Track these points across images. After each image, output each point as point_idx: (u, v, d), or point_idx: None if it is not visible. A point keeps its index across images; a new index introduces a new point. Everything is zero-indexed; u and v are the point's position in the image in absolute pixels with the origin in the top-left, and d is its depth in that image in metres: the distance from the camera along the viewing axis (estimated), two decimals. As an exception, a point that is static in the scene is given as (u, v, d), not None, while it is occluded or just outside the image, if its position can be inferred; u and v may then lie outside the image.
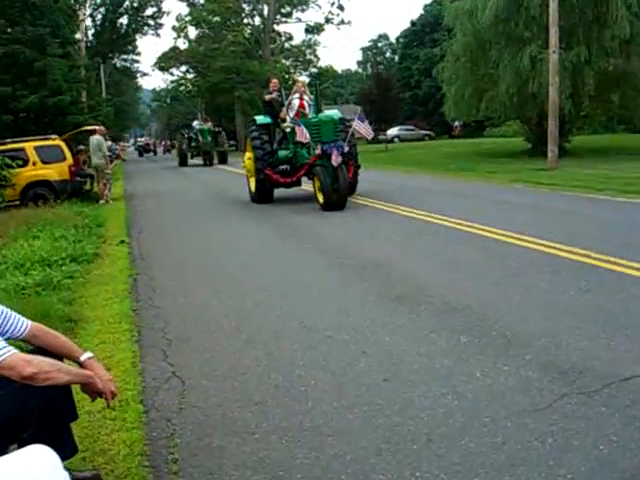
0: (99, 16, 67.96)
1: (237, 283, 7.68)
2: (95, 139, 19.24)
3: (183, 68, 67.07)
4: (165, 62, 64.72)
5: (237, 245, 10.51)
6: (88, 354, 3.33)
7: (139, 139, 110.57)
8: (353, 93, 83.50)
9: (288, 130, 15.27)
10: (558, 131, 23.02)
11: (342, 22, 63.26)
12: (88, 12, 62.10)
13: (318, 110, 14.83)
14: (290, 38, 68.00)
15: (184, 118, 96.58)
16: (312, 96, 15.48)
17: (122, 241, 11.25)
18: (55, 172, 17.80)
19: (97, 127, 20.66)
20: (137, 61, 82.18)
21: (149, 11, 70.15)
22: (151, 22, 71.37)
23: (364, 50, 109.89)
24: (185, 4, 66.16)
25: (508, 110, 31.67)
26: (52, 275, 8.16)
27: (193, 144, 40.43)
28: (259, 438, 3.79)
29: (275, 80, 17.44)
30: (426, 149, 42.78)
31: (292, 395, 4.32)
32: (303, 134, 13.62)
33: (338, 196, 13.31)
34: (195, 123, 43.04)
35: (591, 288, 6.40)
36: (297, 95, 15.55)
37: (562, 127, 25.66)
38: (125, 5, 68.68)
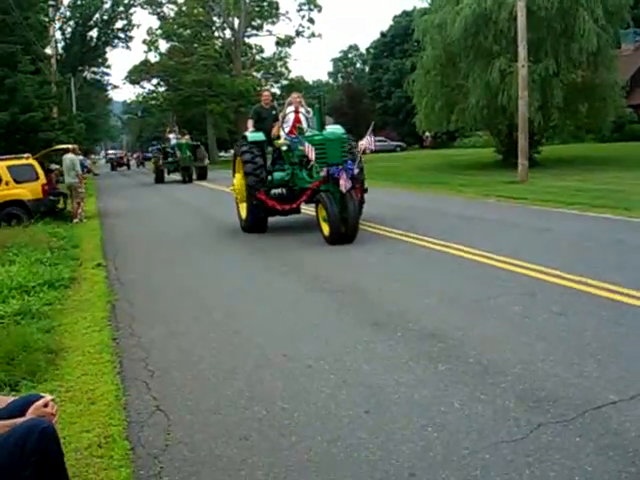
0: (69, 29, 67.84)
1: (216, 310, 7.72)
2: (68, 158, 19.21)
3: (154, 81, 66.98)
4: (136, 75, 64.60)
5: (216, 271, 10.42)
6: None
7: (110, 152, 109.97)
8: (325, 104, 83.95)
9: (284, 148, 13.32)
10: (528, 144, 23.33)
11: (313, 35, 63.65)
12: (58, 25, 61.87)
13: (321, 126, 12.73)
14: (261, 51, 68.32)
15: (155, 130, 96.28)
16: (310, 109, 13.90)
17: (99, 264, 11.25)
18: (28, 191, 17.71)
19: (70, 146, 20.62)
20: (107, 74, 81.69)
21: (119, 24, 70.28)
22: (121, 35, 71.44)
23: (335, 61, 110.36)
24: (156, 17, 66.30)
25: (478, 123, 32.12)
26: (30, 303, 8.21)
27: (170, 159, 37.44)
28: (246, 475, 3.88)
29: (267, 92, 15.83)
30: (399, 161, 43.01)
31: (276, 429, 4.41)
32: (311, 152, 11.68)
33: (347, 227, 11.40)
34: (171, 136, 40.30)
35: (563, 311, 6.56)
36: (292, 108, 13.74)
37: (532, 138, 26.04)
38: (95, 18, 68.61)
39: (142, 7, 66.87)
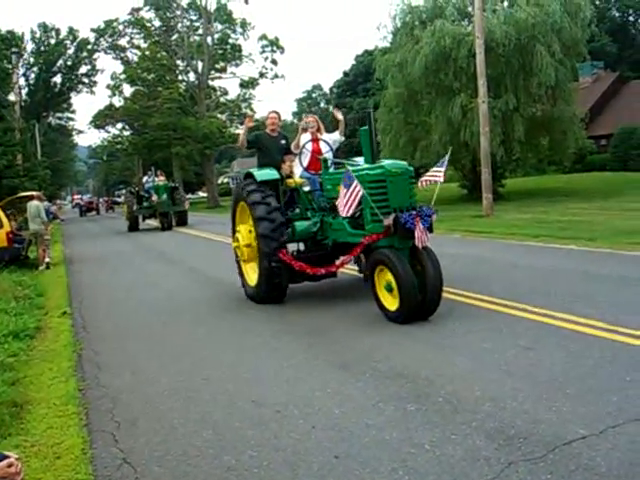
0: (32, 75, 67.83)
1: (184, 357, 7.61)
2: (34, 205, 19.01)
3: (119, 125, 66.96)
4: (100, 120, 64.50)
5: (186, 319, 10.17)
6: None
7: (76, 196, 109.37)
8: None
9: (306, 189, 10.39)
10: (491, 178, 23.64)
11: (276, 76, 64.06)
12: (21, 72, 61.92)
13: (372, 156, 8.98)
14: (225, 93, 68.63)
15: (121, 174, 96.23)
16: (334, 135, 10.90)
17: (64, 312, 11.10)
18: (-8, 240, 17.52)
19: (35, 193, 20.49)
20: (72, 119, 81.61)
21: (83, 69, 70.41)
22: (85, 80, 71.55)
23: (299, 101, 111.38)
24: (120, 62, 66.48)
25: (442, 158, 32.43)
26: (-6, 355, 8.07)
27: (145, 204, 33.47)
28: (215, 528, 3.80)
29: (274, 115, 11.24)
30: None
31: (245, 478, 4.34)
32: (350, 200, 8.18)
33: (427, 296, 8.03)
34: (145, 179, 37.01)
35: (531, 346, 6.58)
36: (307, 136, 10.65)
37: (495, 172, 26.44)
38: (59, 64, 68.69)
39: (105, 52, 67.12)
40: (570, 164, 40.03)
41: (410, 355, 6.69)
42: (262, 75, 63.99)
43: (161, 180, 33.92)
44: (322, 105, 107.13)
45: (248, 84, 65.24)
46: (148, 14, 64.18)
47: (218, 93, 68.17)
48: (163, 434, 5.24)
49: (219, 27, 64.29)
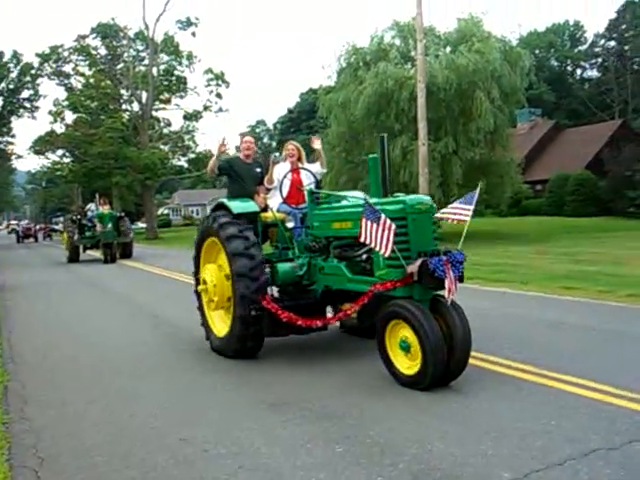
0: (-28, 98, 66.71)
1: (114, 392, 7.47)
2: (-36, 231, 18.57)
3: (60, 152, 65.98)
4: (40, 146, 63.52)
5: (123, 354, 10.06)
6: None
7: (12, 222, 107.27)
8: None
9: (290, 225, 9.08)
10: (430, 219, 24.00)
11: (220, 110, 64.18)
12: (-39, 94, 60.97)
13: (385, 188, 7.83)
14: (169, 124, 68.39)
15: (60, 201, 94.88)
16: (314, 166, 9.73)
17: (-9, 343, 10.84)
18: None
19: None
20: (12, 143, 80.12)
21: (25, 93, 69.41)
22: (27, 105, 70.53)
23: (242, 136, 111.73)
24: (63, 88, 65.81)
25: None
26: None
27: (88, 233, 31.14)
28: None
29: (249, 139, 10.32)
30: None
31: (168, 518, 4.29)
32: (386, 236, 6.52)
33: (453, 358, 6.68)
34: (89, 207, 34.46)
35: (459, 388, 6.66)
36: (286, 166, 9.55)
37: (433, 214, 26.82)
38: (0, 87, 67.65)
39: (49, 78, 66.32)
40: (506, 208, 40.98)
41: (339, 395, 6.69)
42: (206, 108, 64.04)
43: (105, 208, 31.10)
44: (265, 140, 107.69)
45: (192, 116, 65.19)
46: (94, 42, 64.07)
47: (162, 124, 67.94)
48: (86, 471, 5.13)
49: (165, 58, 64.31)
